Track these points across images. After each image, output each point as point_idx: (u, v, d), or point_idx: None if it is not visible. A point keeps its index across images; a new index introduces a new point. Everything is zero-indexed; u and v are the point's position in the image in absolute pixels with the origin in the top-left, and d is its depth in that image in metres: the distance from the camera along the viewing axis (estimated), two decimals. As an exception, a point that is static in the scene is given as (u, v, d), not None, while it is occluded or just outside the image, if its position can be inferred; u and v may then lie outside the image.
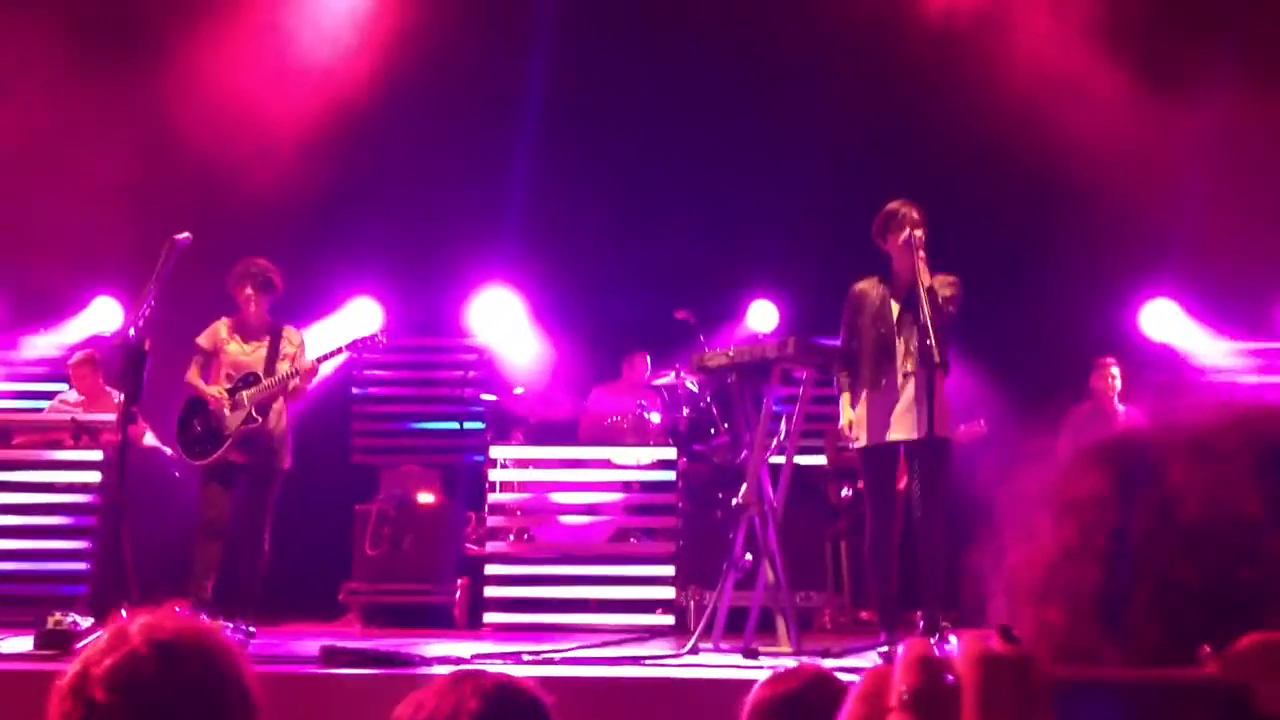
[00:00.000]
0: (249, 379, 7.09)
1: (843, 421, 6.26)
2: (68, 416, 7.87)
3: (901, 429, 6.03)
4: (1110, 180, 8.65)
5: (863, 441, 6.14)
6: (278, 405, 7.14)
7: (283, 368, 7.13)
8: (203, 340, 7.20)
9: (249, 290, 7.13)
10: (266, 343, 7.21)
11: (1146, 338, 9.42)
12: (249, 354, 7.18)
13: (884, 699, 0.68)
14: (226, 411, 7.00)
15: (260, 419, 7.04)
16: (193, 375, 7.14)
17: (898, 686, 0.68)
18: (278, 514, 7.12)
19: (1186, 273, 9.14)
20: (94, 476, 7.49)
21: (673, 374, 8.24)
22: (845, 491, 8.23)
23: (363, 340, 7.44)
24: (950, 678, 0.66)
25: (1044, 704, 0.65)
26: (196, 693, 1.58)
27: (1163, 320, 9.55)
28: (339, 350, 7.42)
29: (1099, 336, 9.07)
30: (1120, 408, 8.21)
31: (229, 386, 7.06)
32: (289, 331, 7.33)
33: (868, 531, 6.19)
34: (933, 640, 0.69)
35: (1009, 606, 0.80)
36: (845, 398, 6.23)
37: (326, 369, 7.67)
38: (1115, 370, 8.15)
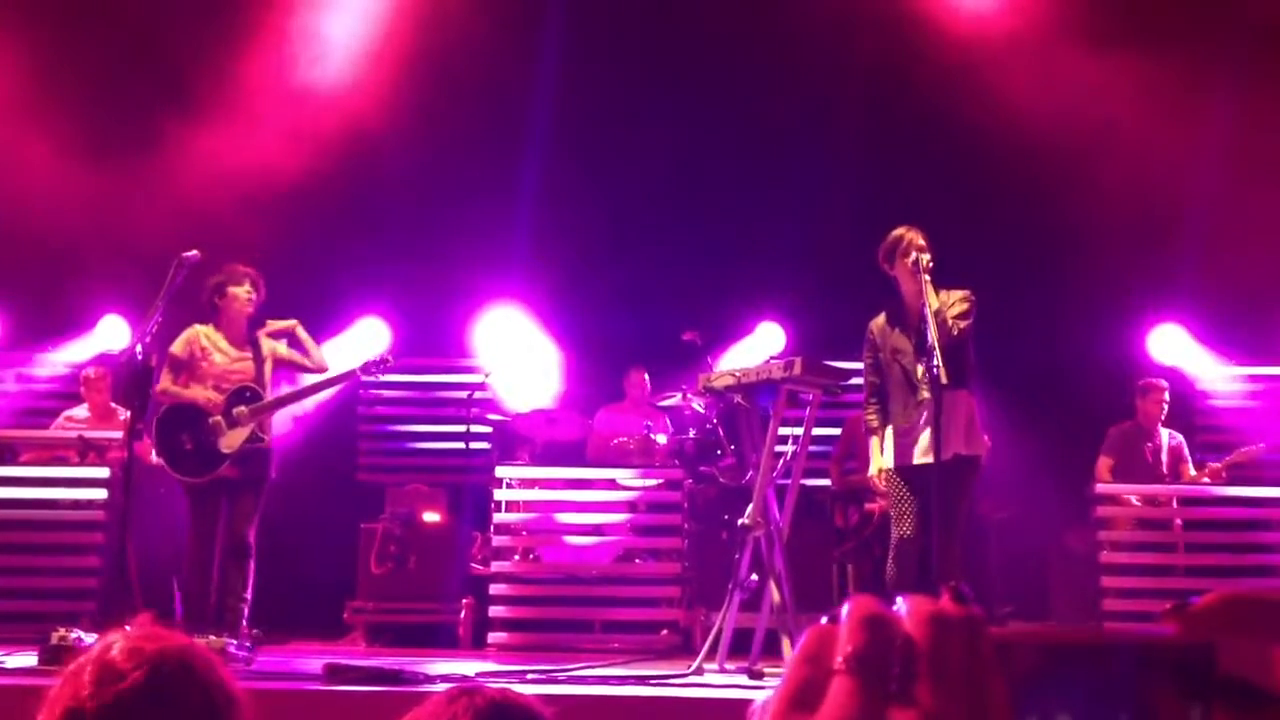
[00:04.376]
0: (245, 394, 6.78)
1: (872, 470, 6.22)
2: (75, 434, 7.86)
3: (926, 453, 5.98)
4: (1118, 205, 8.65)
5: (890, 465, 6.10)
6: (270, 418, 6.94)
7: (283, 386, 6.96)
8: (178, 349, 6.80)
9: (247, 293, 6.84)
10: (250, 353, 6.91)
11: (1154, 361, 9.41)
12: (236, 365, 6.85)
13: (828, 659, 0.64)
14: (224, 427, 6.68)
15: (265, 437, 6.83)
16: (170, 385, 6.74)
17: (843, 646, 0.63)
18: (267, 525, 6.95)
19: (1194, 297, 9.13)
20: (100, 493, 7.47)
21: (679, 395, 8.22)
22: (853, 515, 8.20)
23: (373, 363, 7.16)
24: (897, 637, 0.62)
25: (994, 665, 0.62)
26: (190, 710, 1.56)
27: (1170, 344, 9.54)
28: (351, 374, 7.14)
29: (1106, 360, 9.06)
30: (1164, 430, 8.29)
31: (221, 401, 6.74)
32: (263, 339, 6.99)
33: (894, 547, 6.11)
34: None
35: None
36: (875, 443, 6.19)
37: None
38: (1167, 395, 8.26)
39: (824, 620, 0.65)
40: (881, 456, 6.15)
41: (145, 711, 1.53)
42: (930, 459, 5.91)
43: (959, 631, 0.61)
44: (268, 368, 6.94)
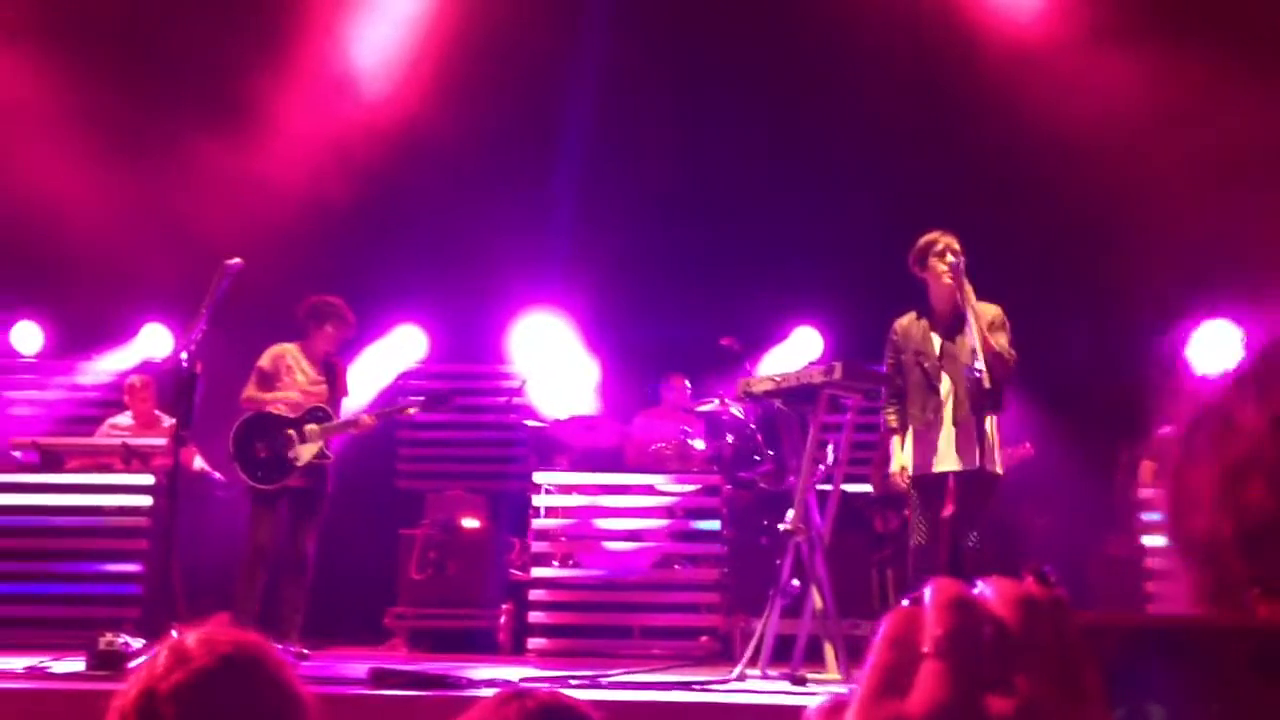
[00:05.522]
0: (318, 413, 7.11)
1: (894, 467, 6.19)
2: (119, 441, 7.94)
3: (949, 460, 6.00)
4: (1160, 205, 8.57)
5: (911, 472, 6.11)
6: None
7: (351, 411, 7.41)
8: (265, 362, 7.19)
9: (334, 330, 7.22)
10: (325, 378, 7.28)
11: (1198, 362, 9.30)
12: (312, 387, 7.21)
13: (915, 643, 0.62)
14: (297, 440, 7.02)
15: (330, 455, 7.13)
16: (257, 393, 7.11)
17: (931, 630, 0.62)
18: (321, 536, 7.15)
19: (1238, 298, 9.03)
20: (145, 500, 7.54)
21: (717, 400, 8.21)
22: (893, 520, 8.16)
23: (434, 398, 7.63)
24: (986, 620, 0.61)
25: (1085, 648, 0.61)
26: (259, 703, 1.59)
27: (1213, 346, 9.43)
28: (411, 407, 7.53)
29: (1149, 362, 8.97)
30: None
31: (296, 416, 7.08)
32: (344, 369, 7.44)
33: (911, 554, 6.13)
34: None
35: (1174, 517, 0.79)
36: (896, 441, 6.19)
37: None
38: None
39: (905, 602, 0.64)
40: (902, 453, 6.14)
41: (216, 697, 1.56)
42: (947, 467, 5.95)
43: (1048, 614, 0.61)
44: (346, 403, 7.41)
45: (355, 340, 7.60)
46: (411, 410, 7.52)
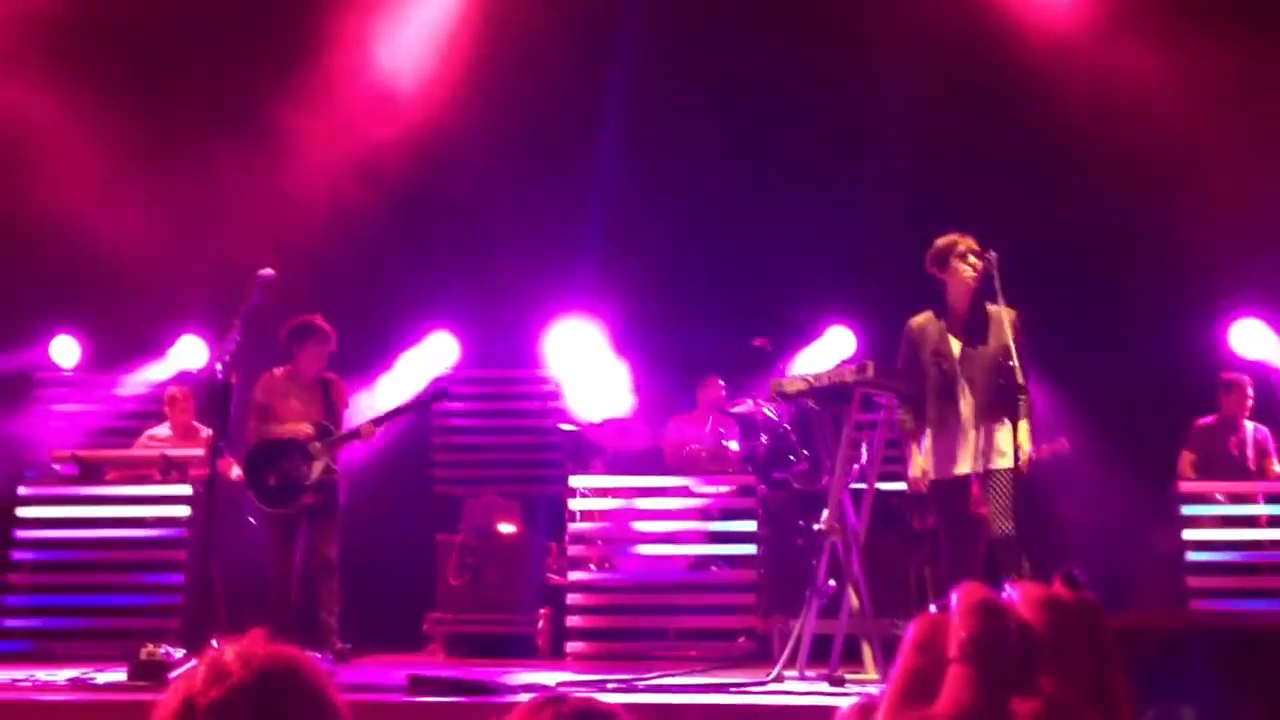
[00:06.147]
0: (320, 430, 7.25)
1: (915, 471, 6.13)
2: (157, 452, 7.99)
3: (968, 463, 5.94)
4: (1195, 197, 8.50)
5: (932, 476, 6.06)
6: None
7: (351, 422, 7.45)
8: (259, 396, 7.33)
9: (315, 347, 7.33)
10: (320, 393, 7.40)
11: (1237, 355, 9.20)
12: (307, 405, 7.34)
13: (941, 648, 0.62)
14: (303, 462, 7.14)
15: (337, 470, 7.24)
16: (261, 427, 7.27)
17: (957, 634, 0.61)
18: (351, 543, 7.31)
19: (1277, 289, 8.94)
20: (183, 511, 7.59)
21: (750, 401, 8.18)
22: (929, 518, 8.12)
23: (423, 400, 7.98)
24: (1012, 624, 0.60)
25: (1115, 651, 0.59)
26: (296, 716, 1.60)
27: (1253, 337, 9.32)
28: (409, 408, 7.82)
29: (1188, 354, 8.89)
30: (1249, 424, 8.14)
31: (299, 438, 7.20)
32: (338, 382, 7.54)
33: (946, 562, 6.10)
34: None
35: None
36: (913, 446, 6.13)
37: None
38: (1250, 391, 8.11)
39: (932, 608, 0.64)
40: (920, 456, 6.08)
41: (253, 711, 1.57)
42: (967, 469, 5.92)
43: (1076, 616, 0.60)
44: (344, 415, 7.51)
45: (368, 333, 7.63)
46: (373, 428, 7.39)
